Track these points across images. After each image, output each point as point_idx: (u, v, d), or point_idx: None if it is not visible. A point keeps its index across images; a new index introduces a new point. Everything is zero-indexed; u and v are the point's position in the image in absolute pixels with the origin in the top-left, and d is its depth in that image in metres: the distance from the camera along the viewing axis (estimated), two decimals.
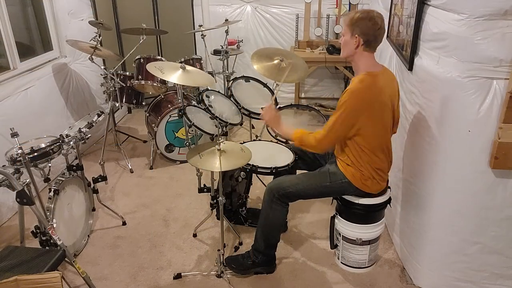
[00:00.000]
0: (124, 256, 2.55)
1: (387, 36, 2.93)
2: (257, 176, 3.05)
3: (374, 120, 1.98)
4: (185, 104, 2.95)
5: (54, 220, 2.22)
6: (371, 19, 1.93)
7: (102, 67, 3.58)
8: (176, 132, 3.59)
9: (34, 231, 2.17)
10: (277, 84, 3.17)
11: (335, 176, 2.17)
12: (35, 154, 2.19)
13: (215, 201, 2.49)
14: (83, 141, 2.44)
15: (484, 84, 1.77)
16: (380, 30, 1.95)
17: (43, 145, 2.23)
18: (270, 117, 2.25)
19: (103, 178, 2.73)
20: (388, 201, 2.26)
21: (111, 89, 3.49)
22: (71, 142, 2.38)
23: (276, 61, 2.95)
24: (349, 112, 1.95)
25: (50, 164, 2.30)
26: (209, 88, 3.09)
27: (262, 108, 2.30)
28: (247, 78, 3.35)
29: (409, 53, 2.27)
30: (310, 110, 3.08)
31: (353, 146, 2.06)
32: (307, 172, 2.31)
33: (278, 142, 2.73)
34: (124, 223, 2.86)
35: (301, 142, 2.13)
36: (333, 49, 4.23)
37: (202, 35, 3.95)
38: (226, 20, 4.04)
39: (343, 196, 2.24)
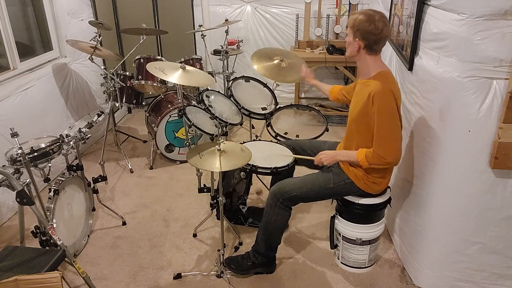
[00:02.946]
0: (124, 256, 2.55)
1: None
2: (257, 176, 3.05)
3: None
4: (185, 104, 2.95)
5: (54, 220, 2.23)
6: (372, 23, 1.88)
7: (102, 67, 3.58)
8: (176, 132, 3.59)
9: (34, 231, 2.17)
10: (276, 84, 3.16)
11: (339, 177, 2.17)
12: (35, 154, 2.19)
13: (215, 201, 2.49)
14: (83, 141, 2.44)
15: (484, 84, 1.77)
16: (381, 34, 1.91)
17: (43, 145, 2.23)
18: (328, 161, 2.18)
19: (103, 178, 2.73)
20: (388, 201, 2.26)
21: (111, 89, 3.49)
22: (71, 142, 2.38)
23: (276, 61, 2.95)
24: (391, 110, 1.92)
25: (50, 164, 2.30)
26: (209, 88, 3.09)
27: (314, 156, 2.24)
28: (247, 78, 3.35)
29: (409, 53, 2.27)
30: (310, 110, 3.09)
31: (365, 147, 2.05)
32: (309, 174, 2.30)
33: (278, 142, 2.73)
34: (124, 223, 2.86)
35: (371, 162, 2.01)
36: (333, 49, 4.23)
37: (202, 35, 3.95)
38: (226, 20, 4.05)
39: (344, 196, 2.25)
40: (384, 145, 1.96)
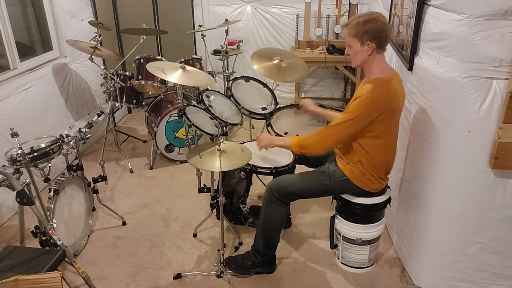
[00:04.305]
0: (124, 256, 2.55)
1: None
2: (257, 176, 3.05)
3: (383, 125, 1.96)
4: (185, 104, 2.95)
5: (54, 220, 2.23)
6: (377, 20, 1.88)
7: (102, 67, 3.58)
8: (176, 132, 3.59)
9: (34, 231, 2.17)
10: (275, 86, 3.17)
11: (335, 174, 2.17)
12: (35, 154, 2.19)
13: (215, 201, 2.49)
14: (83, 141, 2.44)
15: (484, 84, 1.77)
16: (388, 28, 1.93)
17: (43, 145, 2.23)
18: (265, 142, 2.28)
19: (103, 178, 2.73)
20: (388, 201, 2.26)
21: (111, 89, 3.49)
22: (71, 142, 2.38)
23: (276, 61, 2.96)
24: (358, 119, 1.93)
25: (50, 164, 2.30)
26: (209, 88, 3.09)
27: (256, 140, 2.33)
28: (247, 78, 3.35)
29: (409, 53, 2.27)
30: None
31: (357, 147, 2.06)
32: (307, 171, 2.31)
33: None
34: (124, 223, 2.86)
35: (301, 147, 2.10)
36: (333, 49, 4.23)
37: (202, 35, 3.95)
38: (226, 20, 4.05)
39: (343, 196, 2.25)
40: (327, 132, 2.04)
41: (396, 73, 2.09)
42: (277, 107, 3.12)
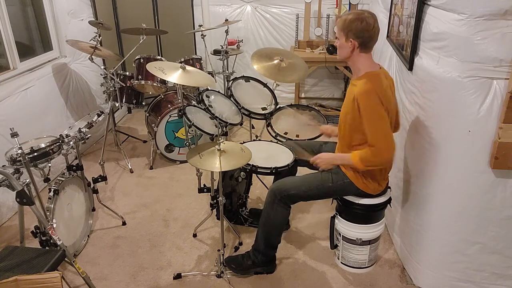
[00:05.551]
0: (124, 256, 2.55)
1: (387, 36, 2.93)
2: (257, 176, 3.05)
3: None
4: (185, 104, 2.95)
5: (54, 220, 2.23)
6: (363, 20, 1.91)
7: (102, 67, 3.58)
8: (176, 132, 3.59)
9: (34, 231, 2.17)
10: (276, 85, 3.17)
11: (337, 177, 2.17)
12: (35, 154, 2.19)
13: (215, 201, 2.49)
14: (83, 141, 2.45)
15: (484, 84, 1.77)
16: (374, 30, 1.94)
17: (43, 145, 2.23)
18: (325, 164, 2.20)
19: (103, 178, 2.73)
20: (388, 201, 2.26)
21: (111, 89, 3.49)
22: (71, 142, 2.38)
23: (276, 61, 2.96)
24: (376, 109, 1.92)
25: (50, 164, 2.30)
26: (209, 88, 3.09)
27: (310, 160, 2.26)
28: (247, 78, 3.35)
29: (409, 53, 2.27)
30: (310, 110, 3.09)
31: (355, 150, 2.06)
32: (309, 173, 2.30)
33: (278, 142, 2.73)
34: (124, 223, 2.86)
35: (366, 163, 2.00)
36: (333, 49, 4.23)
37: (202, 35, 3.95)
38: (226, 20, 4.05)
39: (343, 196, 2.25)
40: (376, 143, 1.95)
41: (384, 69, 2.10)
42: (277, 107, 3.12)
